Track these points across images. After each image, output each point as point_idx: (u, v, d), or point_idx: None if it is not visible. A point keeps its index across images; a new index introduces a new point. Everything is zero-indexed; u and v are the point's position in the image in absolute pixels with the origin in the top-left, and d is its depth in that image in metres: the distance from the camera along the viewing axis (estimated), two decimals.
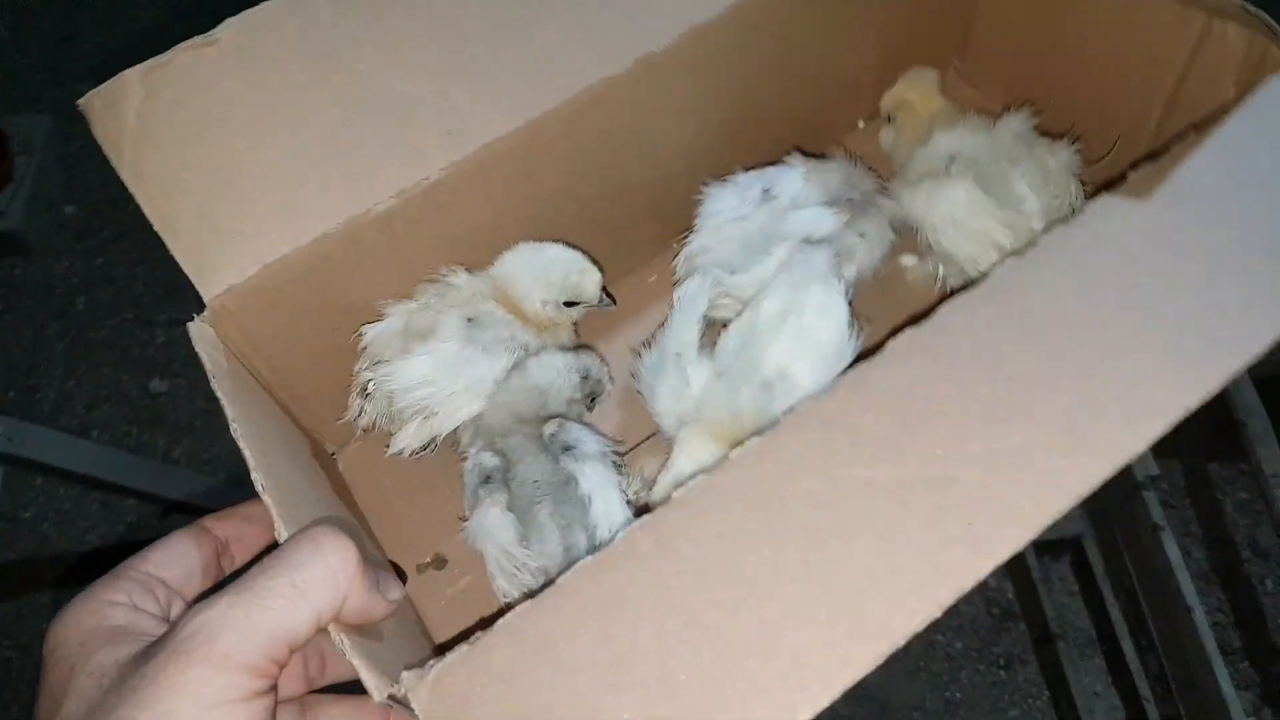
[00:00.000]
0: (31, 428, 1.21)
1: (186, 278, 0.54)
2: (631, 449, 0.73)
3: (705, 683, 0.40)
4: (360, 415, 0.68)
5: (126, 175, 0.58)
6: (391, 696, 0.41)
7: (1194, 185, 0.54)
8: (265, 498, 0.49)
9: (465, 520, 0.64)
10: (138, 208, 0.55)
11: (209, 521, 0.51)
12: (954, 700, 1.50)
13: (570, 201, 0.70)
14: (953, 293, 0.54)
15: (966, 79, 0.89)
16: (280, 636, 0.39)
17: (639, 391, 0.69)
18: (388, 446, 0.69)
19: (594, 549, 0.60)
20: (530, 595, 0.43)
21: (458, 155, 0.61)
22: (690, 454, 0.58)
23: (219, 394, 0.53)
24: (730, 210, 0.70)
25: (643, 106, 0.67)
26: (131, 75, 0.57)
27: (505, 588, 0.62)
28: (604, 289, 0.73)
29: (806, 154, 0.78)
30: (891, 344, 0.51)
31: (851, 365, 0.58)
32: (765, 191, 0.71)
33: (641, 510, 0.55)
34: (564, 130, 0.64)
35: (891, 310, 0.77)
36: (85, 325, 1.84)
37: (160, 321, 1.79)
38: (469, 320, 0.67)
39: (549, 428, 0.66)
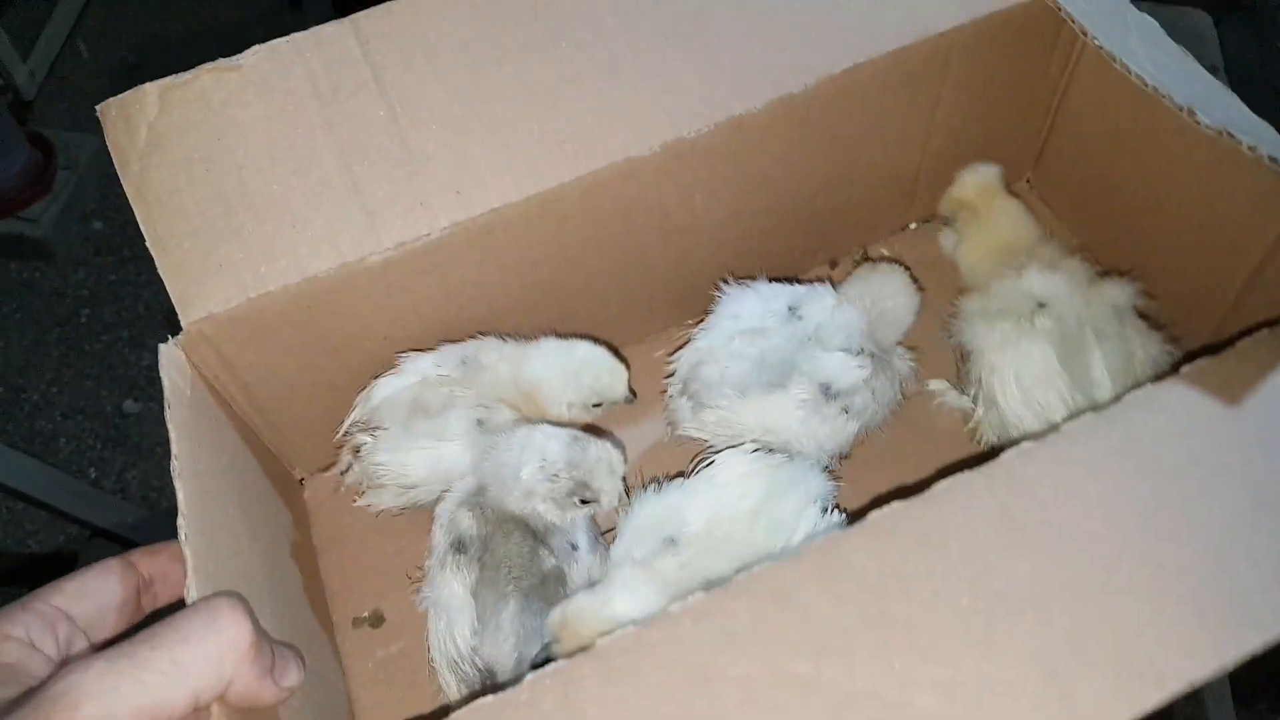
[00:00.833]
0: None
1: None
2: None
3: None
4: (347, 471, 0.66)
5: (129, 187, 0.56)
6: None
7: (1253, 395, 0.47)
8: (185, 548, 0.47)
9: (422, 571, 0.61)
10: None
11: (136, 556, 0.49)
12: None
13: (579, 271, 0.67)
14: (957, 465, 0.48)
15: (1039, 194, 0.83)
16: (148, 713, 0.37)
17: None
18: (359, 494, 0.66)
19: None
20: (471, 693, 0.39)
21: (463, 215, 0.58)
22: (629, 596, 0.53)
23: (170, 427, 0.52)
24: (751, 318, 0.65)
25: (668, 188, 0.63)
26: (150, 89, 0.56)
27: (445, 676, 0.59)
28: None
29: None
30: (873, 516, 0.46)
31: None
32: (791, 310, 0.66)
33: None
34: (580, 203, 0.61)
35: (908, 438, 0.72)
36: (82, 337, 1.93)
37: (150, 345, 1.81)
38: (479, 422, 0.64)
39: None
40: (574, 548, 0.61)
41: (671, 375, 0.69)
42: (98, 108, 0.56)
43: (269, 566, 0.56)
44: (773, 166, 0.67)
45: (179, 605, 0.49)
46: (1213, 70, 1.03)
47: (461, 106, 0.59)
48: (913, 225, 0.83)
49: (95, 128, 0.57)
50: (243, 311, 0.57)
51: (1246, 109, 0.58)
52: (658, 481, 0.63)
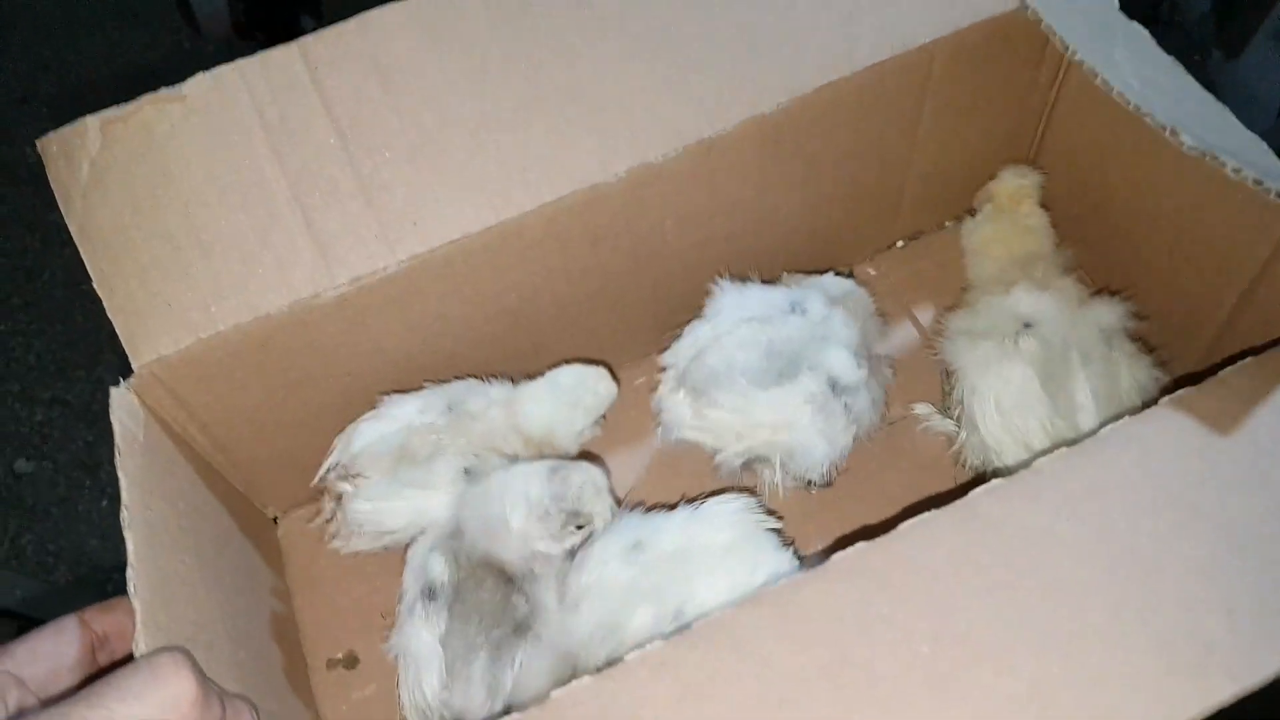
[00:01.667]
0: None
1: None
2: None
3: None
4: (331, 520, 0.65)
5: (73, 226, 0.55)
6: None
7: (1233, 431, 0.45)
8: (133, 601, 0.46)
9: (394, 613, 0.60)
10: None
11: (90, 613, 0.49)
12: None
13: (548, 301, 0.65)
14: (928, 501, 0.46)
15: None
16: None
17: None
18: (333, 535, 0.65)
19: None
20: None
21: (422, 248, 0.57)
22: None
23: (120, 475, 0.50)
24: (754, 308, 0.63)
25: (636, 215, 0.61)
26: (91, 123, 0.55)
27: (411, 717, 0.58)
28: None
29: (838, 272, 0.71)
30: (836, 558, 0.44)
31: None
32: (794, 305, 0.64)
33: None
34: (545, 231, 0.59)
35: (891, 463, 0.69)
36: None
37: (42, 399, 1.71)
38: (466, 471, 0.62)
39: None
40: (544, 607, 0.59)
41: (658, 388, 0.67)
42: (38, 142, 0.55)
43: (230, 614, 0.55)
44: (746, 189, 0.64)
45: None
46: None
47: (417, 133, 0.57)
48: (900, 243, 0.80)
49: None
50: (195, 352, 0.55)
51: (1238, 123, 0.55)
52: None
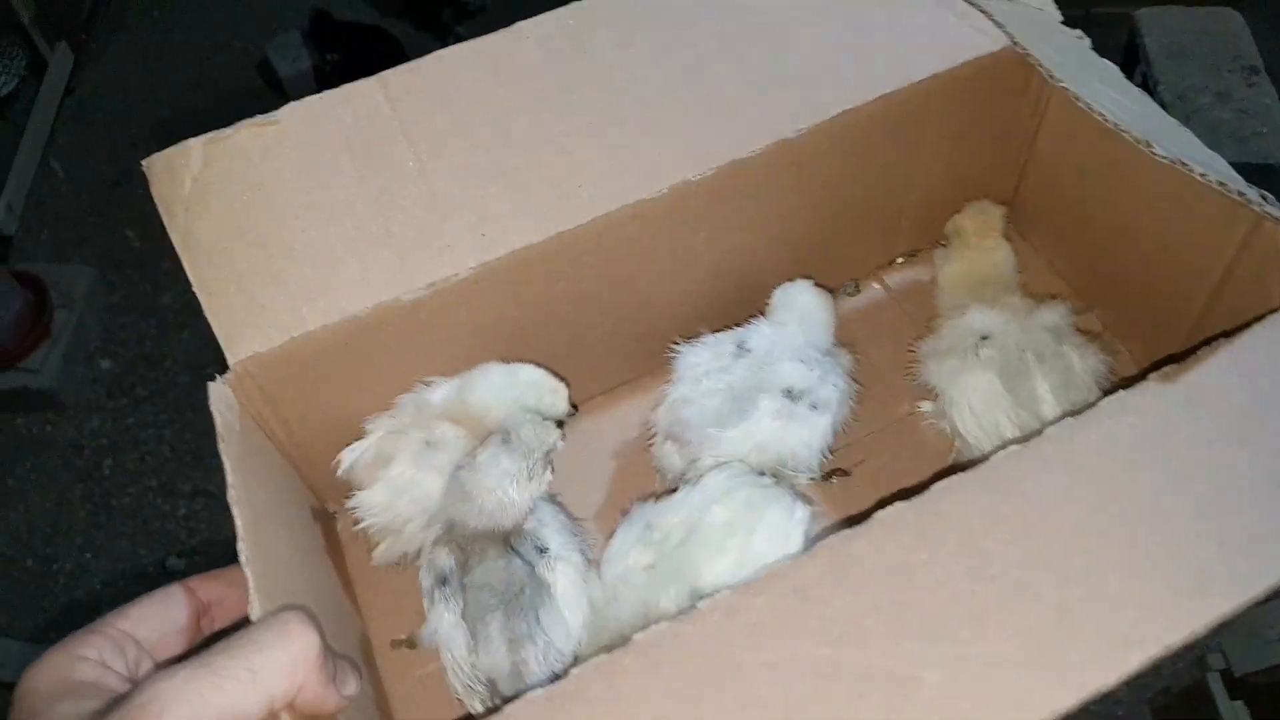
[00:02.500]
0: None
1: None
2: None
3: None
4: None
5: (176, 237, 0.61)
6: None
7: (1213, 397, 0.52)
8: (245, 570, 0.50)
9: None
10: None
11: (194, 582, 0.52)
12: None
13: (593, 308, 0.72)
14: (951, 469, 0.53)
15: (1016, 229, 0.89)
16: (229, 717, 0.40)
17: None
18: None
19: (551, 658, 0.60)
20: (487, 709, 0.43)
21: (488, 256, 0.63)
22: None
23: (224, 458, 0.55)
24: (708, 363, 0.71)
25: (674, 228, 0.68)
26: (194, 144, 0.61)
27: (462, 694, 0.63)
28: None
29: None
30: (878, 515, 0.50)
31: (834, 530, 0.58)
32: (739, 346, 0.72)
33: None
34: (595, 243, 0.66)
35: (903, 452, 0.76)
36: (109, 491, 1.77)
37: (184, 491, 1.71)
38: (427, 444, 0.67)
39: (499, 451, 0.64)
40: (542, 550, 0.64)
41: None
42: (143, 163, 0.61)
43: (316, 589, 0.60)
44: (769, 205, 0.72)
45: (236, 628, 0.52)
46: (1252, 70, 1.05)
47: (483, 156, 0.64)
48: (899, 259, 0.88)
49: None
50: (285, 350, 0.61)
51: (1199, 143, 0.64)
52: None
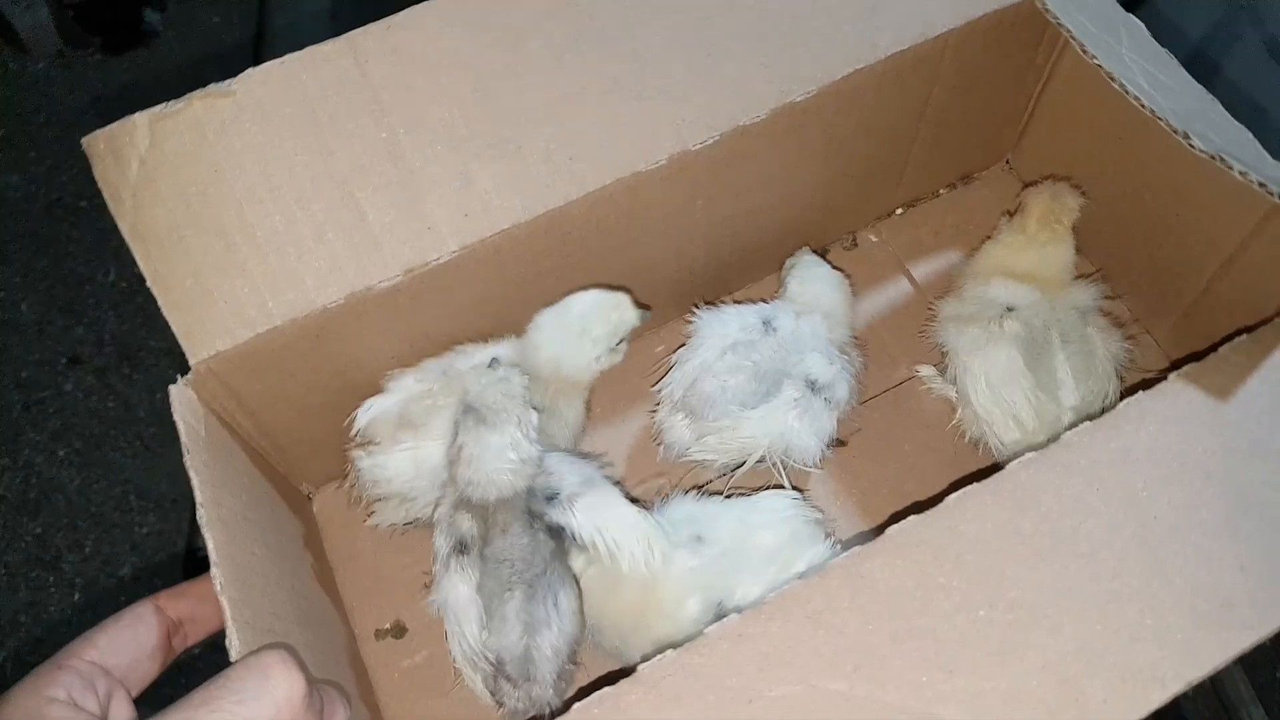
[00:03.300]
0: None
1: None
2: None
3: None
4: (352, 486, 0.66)
5: (123, 225, 0.54)
6: None
7: (1235, 406, 0.51)
8: (221, 599, 0.47)
9: (430, 584, 0.63)
10: None
11: (163, 600, 0.49)
12: None
13: (582, 279, 0.67)
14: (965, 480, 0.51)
15: (1019, 176, 0.85)
16: None
17: None
18: (370, 513, 0.67)
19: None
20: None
21: (473, 239, 0.58)
22: None
23: (191, 474, 0.52)
24: (735, 334, 0.68)
25: (671, 197, 0.64)
26: (139, 119, 0.54)
27: (465, 670, 0.61)
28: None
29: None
30: (893, 531, 0.49)
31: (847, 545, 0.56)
32: (766, 324, 0.68)
33: None
34: (587, 217, 0.61)
35: (900, 421, 0.75)
36: None
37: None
38: (456, 422, 0.64)
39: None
40: (552, 497, 0.62)
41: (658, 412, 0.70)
42: (84, 140, 0.54)
43: (295, 595, 0.57)
44: (772, 168, 0.67)
45: (208, 644, 0.50)
46: (1274, 40, 0.98)
47: (465, 126, 0.58)
48: (899, 210, 0.84)
49: None
50: (250, 347, 0.56)
51: (1228, 115, 0.60)
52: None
